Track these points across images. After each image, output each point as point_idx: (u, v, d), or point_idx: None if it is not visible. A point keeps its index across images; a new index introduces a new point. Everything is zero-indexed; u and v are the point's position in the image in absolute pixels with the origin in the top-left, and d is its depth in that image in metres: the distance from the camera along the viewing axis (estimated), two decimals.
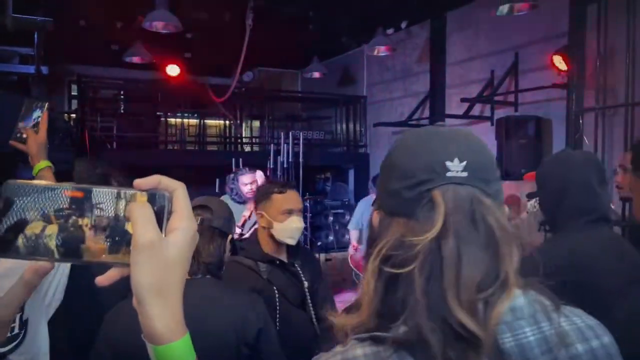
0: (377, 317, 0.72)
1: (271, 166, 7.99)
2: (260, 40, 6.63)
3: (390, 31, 7.56)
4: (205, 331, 1.44)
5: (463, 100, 6.32)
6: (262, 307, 1.67)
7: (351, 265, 5.46)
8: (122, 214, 0.57)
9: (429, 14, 7.44)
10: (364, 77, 9.58)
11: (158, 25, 5.83)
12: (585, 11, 4.71)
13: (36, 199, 0.56)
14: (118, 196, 0.57)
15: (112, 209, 0.57)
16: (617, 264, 1.62)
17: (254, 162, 8.22)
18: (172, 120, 10.02)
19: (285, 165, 8.00)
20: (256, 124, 11.07)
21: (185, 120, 10.04)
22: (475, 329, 0.65)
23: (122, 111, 9.71)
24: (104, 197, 0.57)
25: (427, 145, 0.77)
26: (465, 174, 0.73)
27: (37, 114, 1.77)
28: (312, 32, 7.58)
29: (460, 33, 7.21)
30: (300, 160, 8.07)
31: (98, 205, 0.57)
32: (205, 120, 10.15)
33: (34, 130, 1.74)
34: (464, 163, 0.74)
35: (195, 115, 10.05)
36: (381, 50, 7.11)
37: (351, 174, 9.68)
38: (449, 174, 0.73)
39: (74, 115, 7.92)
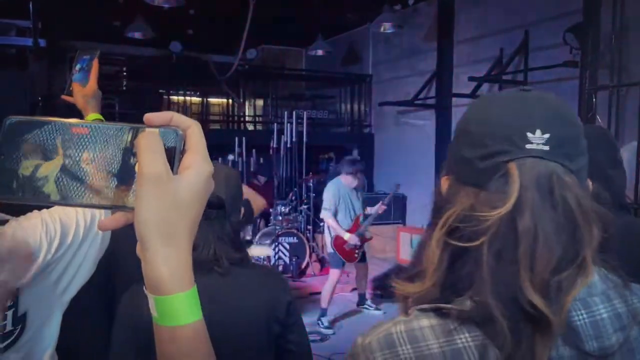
0: (441, 289, 0.69)
1: (275, 145, 7.92)
2: (264, 17, 6.50)
3: (397, 8, 7.41)
4: (236, 308, 1.41)
5: (471, 79, 6.21)
6: (287, 283, 1.63)
7: (332, 249, 5.16)
8: (130, 152, 0.50)
9: None
10: (370, 56, 9.44)
11: None
12: None
13: (37, 135, 0.50)
14: (127, 132, 0.51)
15: (120, 146, 0.51)
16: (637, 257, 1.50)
17: (257, 141, 8.18)
18: (174, 97, 9.94)
19: (288, 145, 7.92)
20: (260, 102, 10.97)
21: (188, 98, 9.94)
22: (548, 311, 0.62)
23: (124, 88, 9.62)
24: (112, 133, 0.51)
25: (508, 112, 0.71)
26: (547, 148, 0.67)
27: (81, 64, 1.66)
28: (316, 9, 7.43)
29: (468, 10, 7.05)
30: (304, 139, 7.99)
31: (105, 143, 0.50)
32: (208, 99, 10.06)
33: (80, 83, 1.63)
34: (547, 135, 0.68)
35: (198, 93, 9.95)
36: (387, 27, 6.97)
37: (355, 154, 9.60)
38: (528, 146, 0.67)
39: None
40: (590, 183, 0.75)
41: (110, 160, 0.50)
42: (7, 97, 4.63)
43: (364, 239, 5.23)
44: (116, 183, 0.50)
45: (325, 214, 5.17)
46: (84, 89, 1.62)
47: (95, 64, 1.65)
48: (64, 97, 1.65)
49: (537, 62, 5.87)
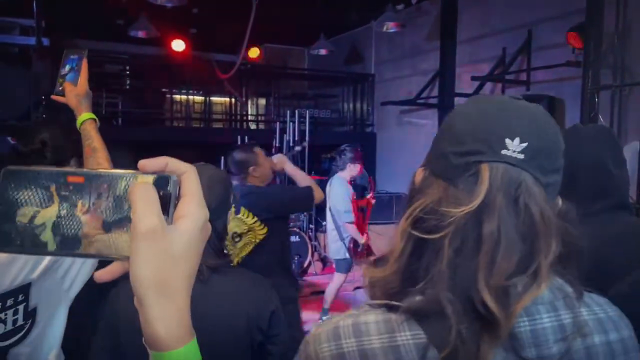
0: (400, 278, 0.71)
1: (277, 144, 7.93)
2: (267, 16, 6.50)
3: (400, 7, 7.40)
4: (215, 316, 1.35)
5: (473, 78, 6.21)
6: (273, 292, 1.53)
7: (348, 253, 4.83)
8: (124, 200, 0.49)
9: None
10: (372, 55, 9.44)
11: None
12: None
13: (34, 184, 0.50)
14: (121, 180, 0.50)
15: (115, 194, 0.50)
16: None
17: (259, 140, 8.18)
18: (177, 96, 9.95)
19: (291, 144, 7.92)
20: (262, 101, 10.97)
21: (191, 97, 9.96)
22: (499, 313, 0.63)
23: (127, 87, 9.63)
24: (106, 181, 0.50)
25: (491, 115, 0.72)
26: (522, 156, 0.69)
27: (70, 64, 1.65)
28: (319, 8, 7.43)
29: (471, 9, 7.04)
30: (307, 138, 7.99)
31: (100, 191, 0.50)
32: (210, 97, 10.07)
33: (72, 82, 1.62)
34: (524, 145, 0.69)
35: (201, 92, 9.97)
36: (390, 27, 6.96)
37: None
38: (504, 152, 0.69)
39: None
40: (559, 200, 0.76)
41: (106, 209, 0.49)
42: (11, 96, 4.64)
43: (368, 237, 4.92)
44: (112, 232, 0.49)
45: (348, 218, 4.74)
46: (75, 88, 1.62)
47: (84, 63, 1.64)
48: (54, 97, 1.64)
49: (540, 62, 5.86)
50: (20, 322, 1.35)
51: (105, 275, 0.52)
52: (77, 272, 1.49)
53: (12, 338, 1.34)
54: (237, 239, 2.78)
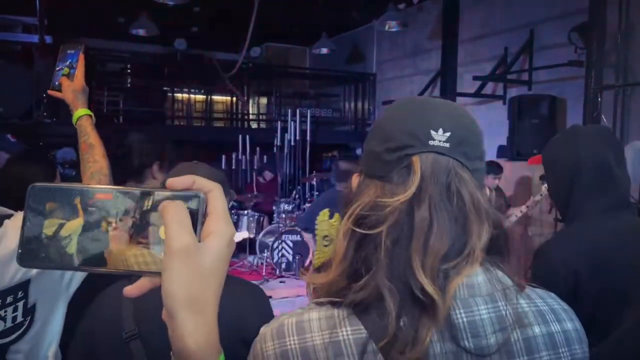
0: (345, 278, 0.72)
1: (278, 143, 7.93)
2: (268, 15, 6.50)
3: (401, 6, 7.39)
4: None
5: (475, 78, 6.20)
6: (263, 300, 1.44)
7: None
8: (153, 217, 0.50)
9: None
10: (374, 54, 9.43)
11: None
12: None
13: (60, 200, 0.50)
14: (149, 197, 0.51)
15: (142, 211, 0.51)
16: None
17: (260, 140, 8.19)
18: (179, 95, 9.95)
19: (292, 143, 7.92)
20: (263, 100, 10.97)
21: (192, 96, 9.95)
22: (436, 295, 0.66)
23: (128, 85, 9.63)
24: (134, 198, 0.51)
25: (415, 111, 0.77)
26: (447, 145, 0.73)
27: (67, 59, 1.64)
28: (321, 7, 7.42)
29: (473, 8, 7.03)
30: (308, 138, 7.99)
31: (127, 208, 0.50)
32: (212, 96, 10.07)
33: (68, 77, 1.61)
34: (448, 134, 0.74)
35: (202, 90, 9.96)
36: (392, 26, 6.94)
37: (359, 153, 9.59)
38: (431, 142, 0.73)
39: None
40: (487, 189, 0.77)
41: (134, 225, 0.50)
42: (13, 93, 4.64)
43: None
44: (140, 248, 0.50)
45: None
46: (72, 83, 1.60)
47: (81, 58, 1.63)
48: (50, 92, 1.63)
49: (542, 62, 5.85)
50: (19, 319, 1.35)
51: (134, 290, 0.53)
52: None
53: (11, 335, 1.33)
54: (326, 243, 2.89)
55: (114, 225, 0.50)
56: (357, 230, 0.72)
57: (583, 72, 4.75)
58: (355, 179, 0.80)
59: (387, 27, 7.00)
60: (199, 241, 0.51)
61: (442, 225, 0.70)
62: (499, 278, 0.73)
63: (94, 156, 1.54)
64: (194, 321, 0.50)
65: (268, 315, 1.37)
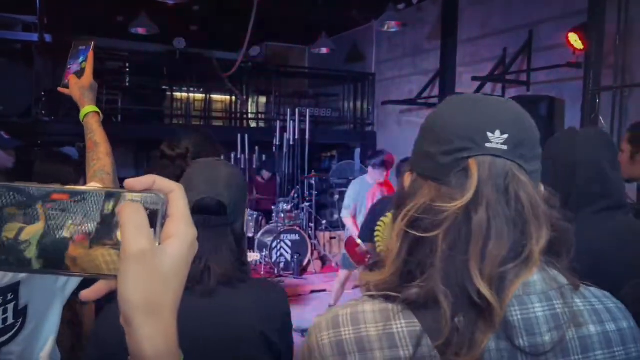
0: (398, 278, 0.73)
1: (277, 143, 7.93)
2: (268, 14, 6.50)
3: (401, 6, 7.40)
4: (218, 335, 1.21)
5: (474, 78, 6.20)
6: (285, 297, 1.39)
7: (344, 249, 4.92)
8: (111, 219, 0.49)
9: None
10: (373, 54, 9.43)
11: None
12: None
13: (19, 200, 0.49)
14: (108, 198, 0.49)
15: (102, 212, 0.49)
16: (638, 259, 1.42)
17: (260, 139, 8.19)
18: (177, 94, 9.93)
19: (291, 142, 7.93)
20: (262, 99, 10.96)
21: (191, 95, 9.94)
22: (493, 300, 0.66)
23: (127, 84, 9.61)
24: (92, 199, 0.49)
25: (471, 112, 0.75)
26: (505, 147, 0.72)
27: (77, 56, 1.61)
28: (320, 7, 7.42)
29: (472, 9, 7.04)
30: (307, 137, 7.99)
31: (86, 209, 0.49)
32: (210, 95, 10.05)
33: (77, 74, 1.59)
34: (506, 136, 0.72)
35: (201, 89, 9.95)
36: (391, 26, 6.96)
37: (357, 152, 9.60)
38: (488, 145, 0.72)
39: None
40: (542, 188, 0.77)
41: (92, 227, 0.49)
42: (13, 92, 4.64)
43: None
44: (98, 250, 0.49)
45: (343, 213, 4.93)
46: (80, 80, 1.58)
47: (90, 55, 1.61)
48: (60, 89, 1.62)
49: (541, 62, 5.85)
50: (10, 320, 1.31)
51: (90, 294, 0.52)
52: None
53: (2, 337, 1.31)
54: None
55: (74, 227, 0.48)
56: (411, 232, 0.72)
57: (582, 73, 4.76)
58: (407, 178, 0.80)
59: (386, 27, 7.01)
60: (159, 243, 0.49)
61: (500, 230, 0.69)
62: (554, 277, 0.73)
63: (98, 154, 1.52)
64: (151, 326, 0.48)
65: (288, 307, 1.36)
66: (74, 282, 1.50)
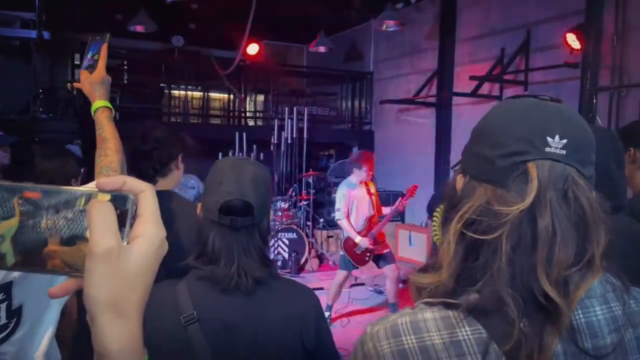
0: (455, 280, 0.73)
1: (275, 141, 7.93)
2: (267, 13, 6.49)
3: (399, 6, 7.41)
4: (266, 334, 1.26)
5: (472, 78, 6.21)
6: (317, 300, 1.42)
7: (343, 250, 4.99)
8: (82, 218, 0.50)
9: None
10: (371, 53, 9.44)
11: None
12: None
13: None
14: (79, 197, 0.50)
15: (74, 211, 0.50)
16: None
17: (258, 137, 8.19)
18: (175, 92, 9.92)
19: (289, 141, 7.93)
20: (260, 98, 10.96)
21: (189, 93, 9.93)
22: (560, 301, 0.66)
23: (125, 82, 9.60)
24: (64, 197, 0.50)
25: (529, 116, 0.75)
26: (563, 152, 0.72)
27: (92, 50, 1.59)
28: (319, 6, 7.42)
29: (471, 9, 7.06)
30: (305, 136, 8.00)
31: (56, 208, 0.50)
32: (209, 93, 10.05)
33: (90, 68, 1.57)
34: (565, 141, 0.72)
35: (199, 87, 9.94)
36: (389, 25, 6.96)
37: (355, 151, 9.61)
38: (547, 149, 0.72)
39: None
40: (594, 193, 0.78)
41: (63, 225, 0.50)
42: (11, 89, 4.64)
43: (375, 242, 4.94)
44: (68, 249, 0.50)
45: (336, 216, 4.97)
46: (90, 75, 1.57)
47: (104, 48, 1.59)
48: (76, 85, 1.60)
49: (538, 62, 5.87)
50: (3, 321, 1.29)
51: (58, 292, 0.52)
52: None
53: None
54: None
55: (47, 225, 0.49)
56: (469, 234, 0.72)
57: (579, 73, 4.78)
58: (459, 180, 0.79)
59: (384, 27, 7.02)
60: (128, 243, 0.50)
61: (566, 234, 0.69)
62: (607, 279, 0.74)
63: (106, 150, 1.50)
64: (116, 325, 0.49)
65: (321, 311, 1.41)
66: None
